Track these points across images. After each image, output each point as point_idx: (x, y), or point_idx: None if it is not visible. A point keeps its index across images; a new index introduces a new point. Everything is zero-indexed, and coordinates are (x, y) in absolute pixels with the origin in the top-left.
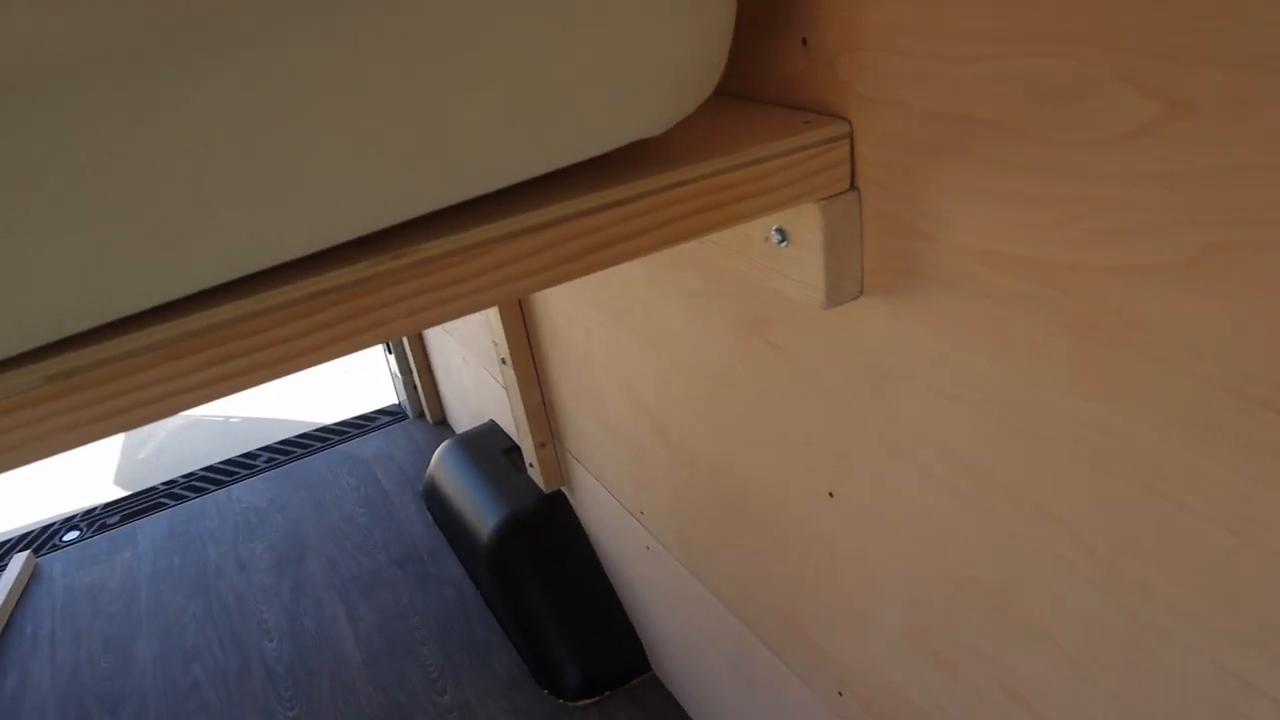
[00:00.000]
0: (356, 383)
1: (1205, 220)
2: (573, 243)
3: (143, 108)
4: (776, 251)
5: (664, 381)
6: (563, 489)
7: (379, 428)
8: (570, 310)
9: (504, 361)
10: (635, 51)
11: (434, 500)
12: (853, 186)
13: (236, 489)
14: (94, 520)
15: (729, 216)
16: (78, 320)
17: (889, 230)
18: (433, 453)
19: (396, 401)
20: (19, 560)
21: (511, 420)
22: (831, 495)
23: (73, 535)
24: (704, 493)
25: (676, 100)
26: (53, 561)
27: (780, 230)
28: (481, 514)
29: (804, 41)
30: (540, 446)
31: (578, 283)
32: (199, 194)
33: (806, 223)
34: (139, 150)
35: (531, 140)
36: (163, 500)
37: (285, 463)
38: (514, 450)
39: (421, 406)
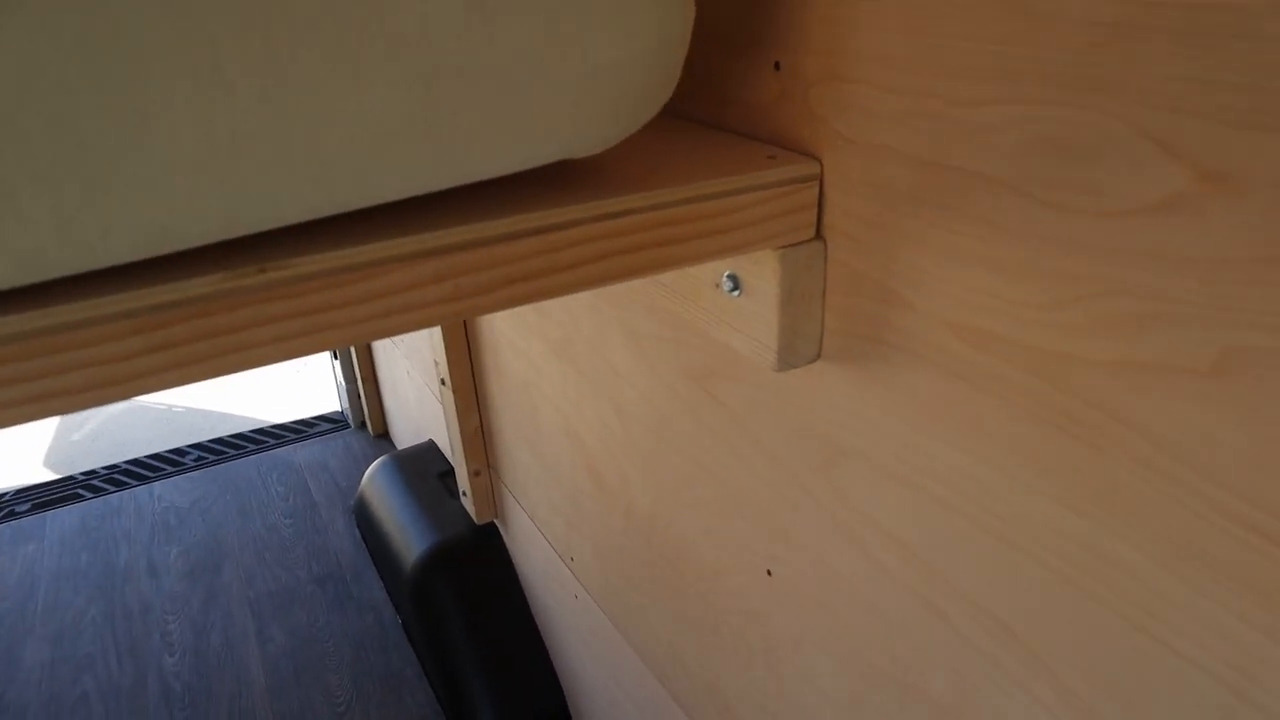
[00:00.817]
0: (305, 384)
1: (1236, 320)
2: (483, 272)
3: None
4: (727, 301)
5: (604, 423)
6: (496, 521)
7: (318, 434)
8: (513, 335)
9: (443, 382)
10: (570, 49)
11: (363, 519)
12: (818, 236)
13: (159, 486)
14: (1, 507)
15: (673, 257)
16: None
17: (856, 289)
18: (368, 466)
19: (339, 409)
20: None
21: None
22: (770, 573)
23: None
24: (637, 548)
25: (618, 115)
26: None
27: (733, 277)
28: (409, 539)
29: (776, 65)
30: (474, 475)
31: (521, 308)
32: (8, 178)
33: (763, 271)
34: None
35: (437, 144)
36: (79, 491)
37: (214, 463)
38: (450, 474)
39: (364, 417)
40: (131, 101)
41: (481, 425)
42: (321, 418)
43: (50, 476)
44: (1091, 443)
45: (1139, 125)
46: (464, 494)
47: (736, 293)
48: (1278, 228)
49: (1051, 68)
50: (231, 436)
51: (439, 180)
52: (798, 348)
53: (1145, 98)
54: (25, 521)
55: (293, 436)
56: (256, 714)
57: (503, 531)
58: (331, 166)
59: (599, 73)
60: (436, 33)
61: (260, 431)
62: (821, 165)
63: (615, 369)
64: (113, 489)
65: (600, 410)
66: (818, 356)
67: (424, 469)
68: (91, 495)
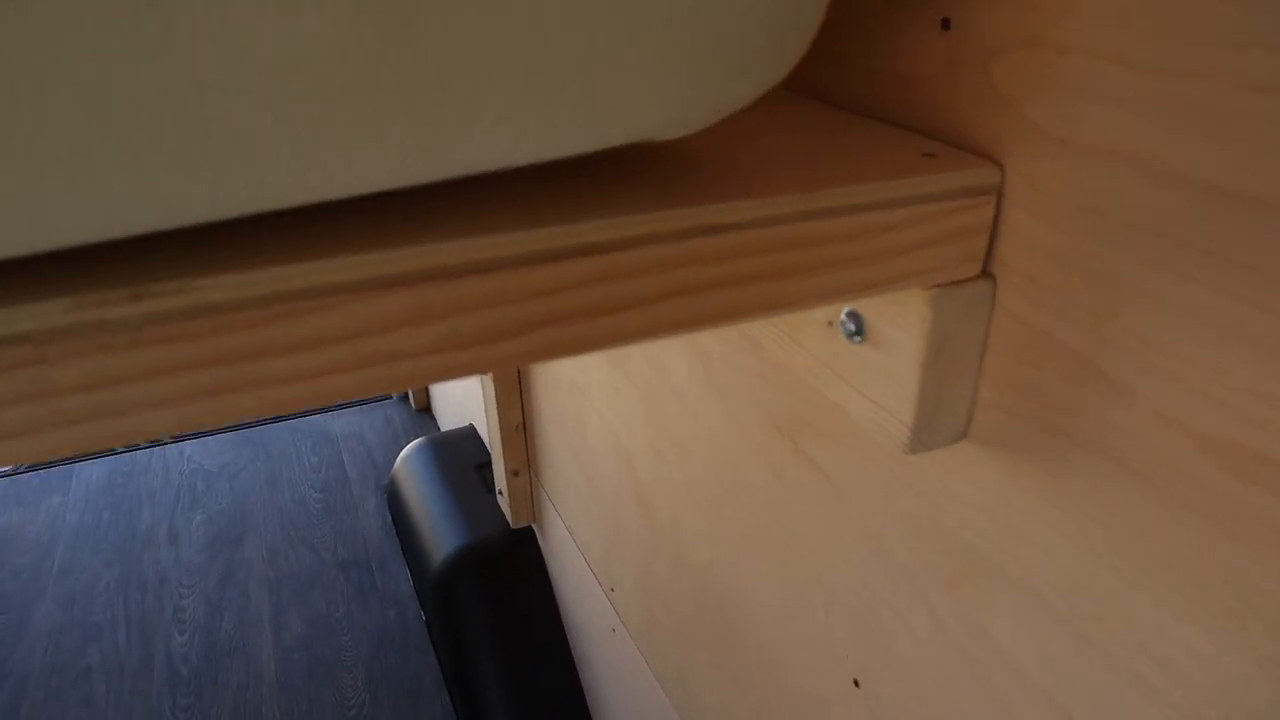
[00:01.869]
0: None
1: None
2: (497, 309)
3: None
4: (843, 346)
5: (659, 450)
6: (533, 526)
7: (358, 403)
8: None
9: None
10: None
11: (395, 503)
12: (986, 273)
13: (190, 446)
14: None
15: (779, 297)
16: None
17: (1037, 356)
18: (408, 442)
19: None
20: None
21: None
22: (857, 684)
23: (4, 468)
24: (686, 600)
25: (715, 82)
26: None
27: (855, 316)
28: (439, 535)
29: (945, 23)
30: (513, 474)
31: None
32: None
33: (902, 315)
34: None
35: (445, 107)
36: None
37: (249, 425)
38: (489, 465)
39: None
40: None
41: (524, 422)
42: None
43: None
44: None
45: None
46: (500, 493)
47: (858, 338)
48: None
49: None
50: None
51: (441, 165)
52: (938, 423)
53: None
54: (54, 472)
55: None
56: (262, 711)
57: (539, 538)
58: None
59: (701, 10)
60: None
61: None
62: (1003, 172)
63: (677, 392)
64: (143, 444)
65: (654, 437)
66: (963, 436)
67: (462, 457)
68: (121, 449)
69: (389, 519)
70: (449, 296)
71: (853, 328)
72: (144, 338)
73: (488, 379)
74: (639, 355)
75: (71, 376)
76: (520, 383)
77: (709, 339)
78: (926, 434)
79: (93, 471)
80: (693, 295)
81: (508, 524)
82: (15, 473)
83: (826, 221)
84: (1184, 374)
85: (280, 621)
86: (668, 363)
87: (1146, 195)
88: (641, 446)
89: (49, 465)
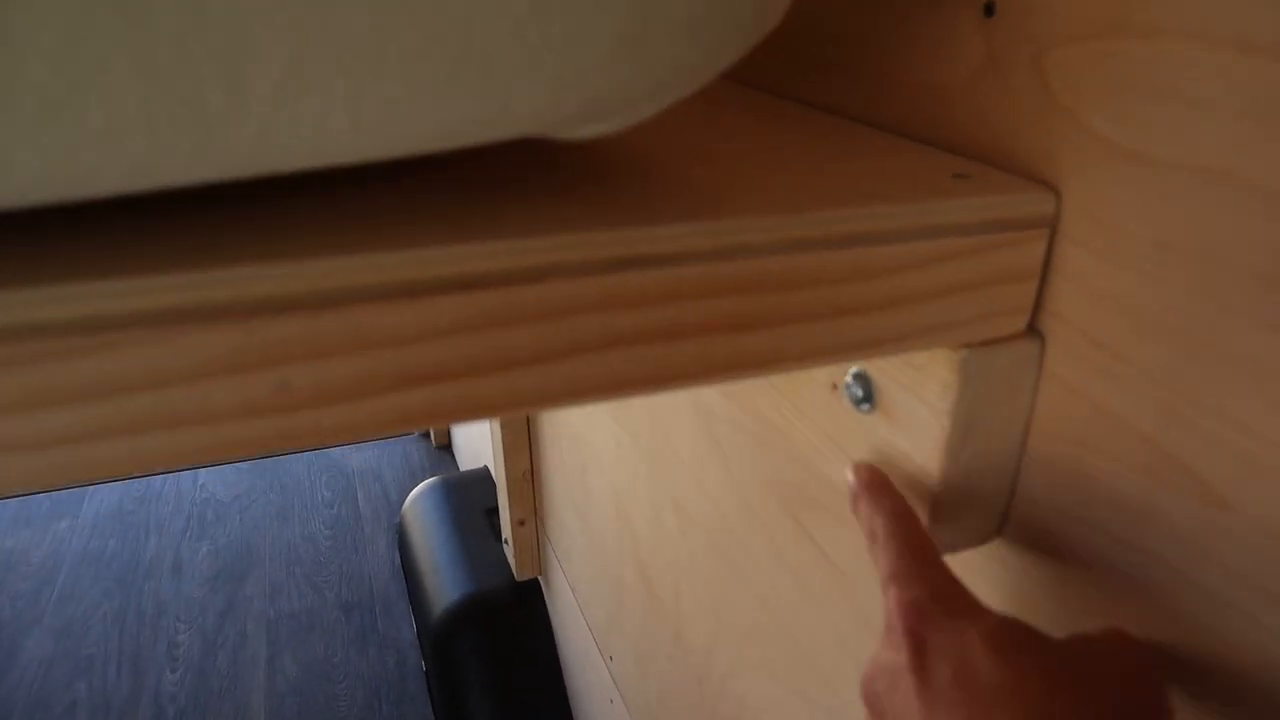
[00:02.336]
0: None
1: None
2: (340, 359)
3: None
4: (849, 416)
5: (659, 515)
6: (539, 579)
7: (376, 438)
8: None
9: None
10: None
11: (404, 545)
12: (1033, 330)
13: (205, 474)
14: None
15: (763, 353)
16: None
17: (1097, 440)
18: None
19: None
20: None
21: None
22: None
23: None
24: (686, 684)
25: (669, 40)
26: None
27: (862, 379)
28: (443, 582)
29: (987, 9)
30: (519, 524)
31: None
32: None
33: (921, 379)
34: None
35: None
36: None
37: (266, 455)
38: (498, 512)
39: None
40: None
41: (532, 469)
42: None
43: None
44: None
45: None
46: (506, 542)
47: (866, 406)
48: None
49: None
50: None
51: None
52: (964, 519)
53: None
54: (66, 494)
55: None
56: None
57: (544, 591)
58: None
59: None
60: None
61: None
62: (1058, 198)
63: (679, 455)
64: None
65: (657, 500)
66: (995, 535)
67: (474, 500)
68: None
69: (398, 561)
70: (273, 337)
71: (860, 393)
72: None
73: (496, 426)
74: (640, 406)
75: None
76: (529, 429)
77: (713, 398)
78: (947, 533)
79: (106, 495)
80: (618, 350)
81: (514, 575)
82: (28, 492)
83: (817, 255)
84: None
85: (276, 663)
86: (669, 417)
87: (1257, 229)
88: (643, 508)
89: (63, 486)
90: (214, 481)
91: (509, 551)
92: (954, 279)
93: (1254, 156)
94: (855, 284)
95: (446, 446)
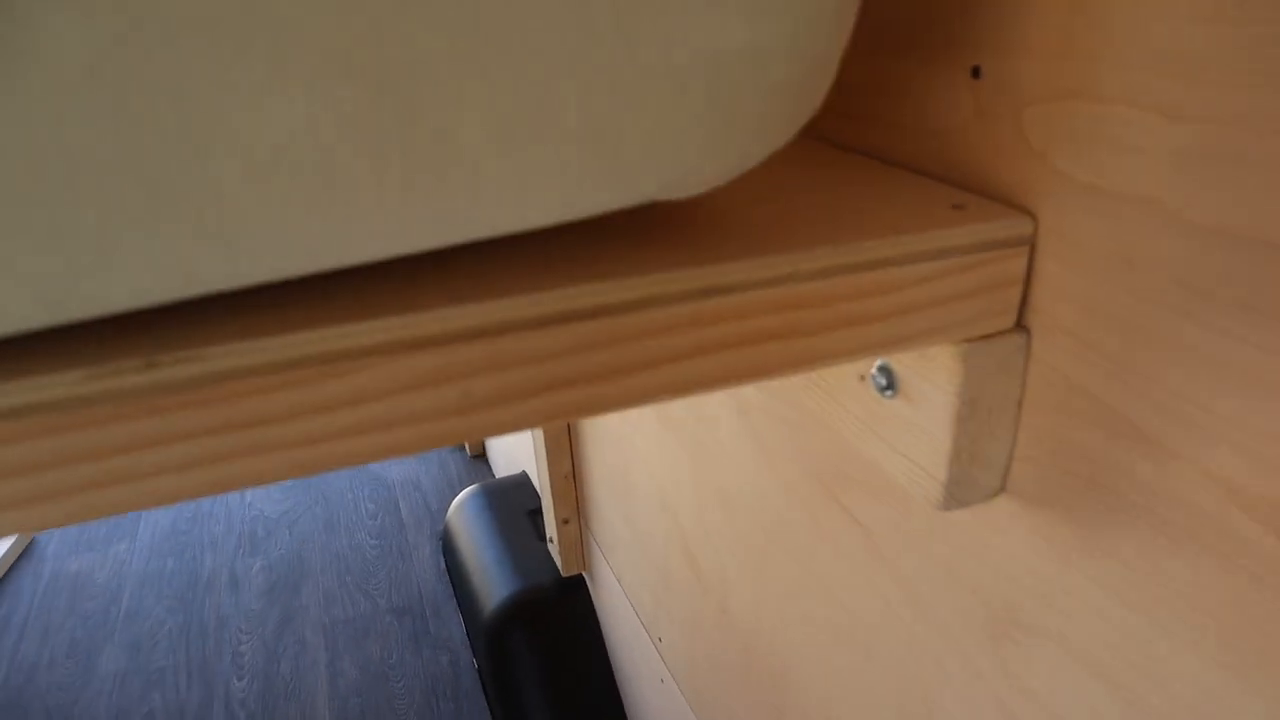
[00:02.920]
0: None
1: None
2: (508, 371)
3: None
4: (876, 402)
5: (703, 503)
6: (584, 574)
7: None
8: None
9: None
10: (670, 30)
11: (448, 550)
12: (1020, 325)
13: (252, 493)
14: None
15: (801, 355)
16: None
17: (1074, 411)
18: (463, 489)
19: None
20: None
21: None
22: None
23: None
24: (734, 653)
25: (734, 140)
26: (49, 538)
27: (886, 371)
28: (490, 582)
29: (975, 71)
30: (563, 523)
31: None
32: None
33: (933, 370)
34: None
35: (438, 185)
36: None
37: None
38: (540, 512)
39: None
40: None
41: (574, 471)
42: None
43: None
44: None
45: None
46: (550, 541)
47: (890, 393)
48: None
49: None
50: None
51: (453, 230)
52: (974, 478)
53: None
54: (121, 518)
55: None
56: None
57: (590, 586)
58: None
59: (711, 67)
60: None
61: None
62: (1036, 223)
63: (722, 446)
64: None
65: (700, 488)
66: (1000, 491)
67: (515, 504)
68: None
69: (443, 566)
70: (461, 359)
71: (884, 382)
72: (157, 406)
73: (538, 432)
74: (683, 407)
75: (86, 445)
76: (570, 433)
77: (750, 390)
78: (961, 490)
79: (159, 518)
80: (704, 356)
81: (559, 572)
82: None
83: (849, 277)
84: (1225, 431)
85: (335, 667)
86: (712, 415)
87: (1183, 246)
88: (688, 498)
89: None
90: (261, 500)
91: (554, 549)
92: (955, 289)
93: (1173, 189)
94: (878, 298)
95: (481, 456)
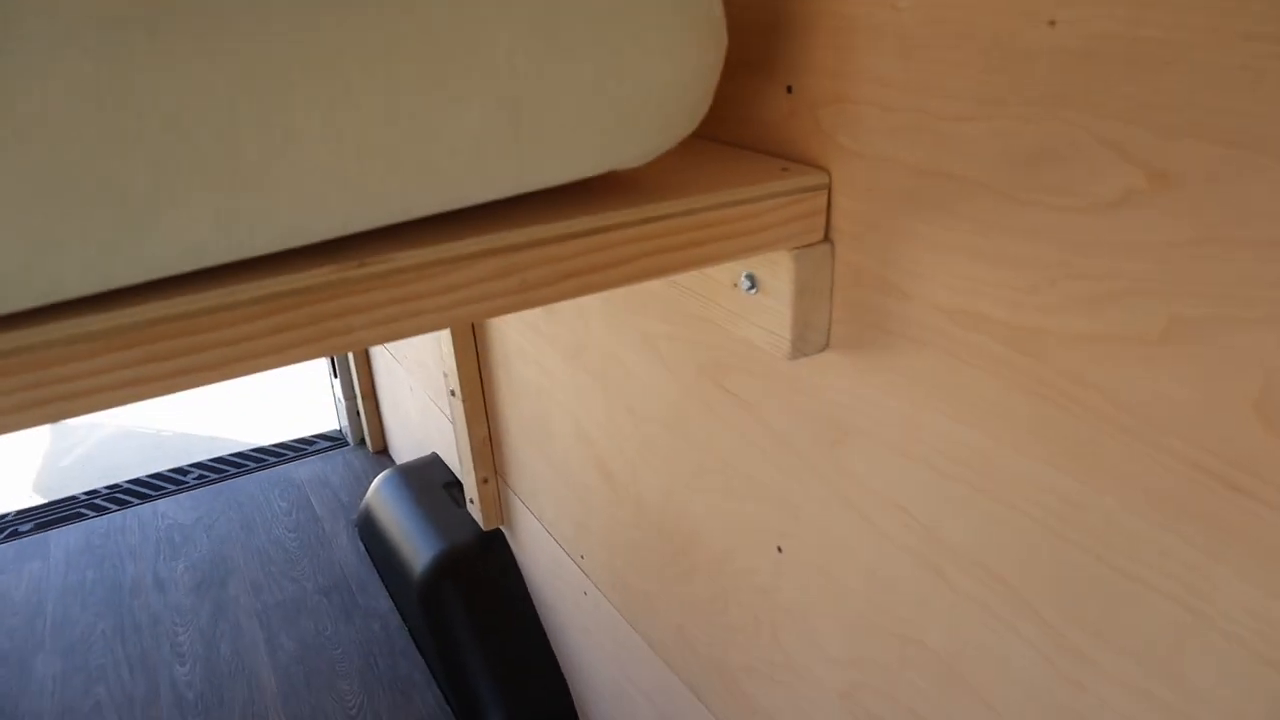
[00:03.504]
0: (296, 405)
1: (1177, 293)
2: (543, 268)
3: (113, 76)
4: (745, 298)
5: (615, 422)
6: (502, 528)
7: (317, 452)
8: (525, 345)
9: (453, 393)
10: (627, 80)
11: (368, 530)
12: (827, 238)
13: (163, 504)
14: (3, 526)
15: (701, 257)
16: (18, 298)
17: (860, 284)
18: (370, 481)
19: (337, 427)
20: None
21: (454, 454)
22: (780, 550)
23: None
24: (648, 538)
25: (660, 133)
26: None
27: (750, 277)
28: (417, 547)
29: (789, 89)
30: (483, 482)
31: (535, 318)
32: (164, 172)
33: (778, 271)
34: (107, 119)
35: (515, 156)
36: (82, 510)
37: (216, 481)
38: (455, 485)
39: (363, 433)
40: (278, 120)
41: (490, 434)
42: (320, 435)
43: (43, 500)
44: (1065, 407)
45: (1099, 134)
46: (471, 501)
47: (754, 290)
48: (1208, 215)
49: (1025, 88)
50: (232, 455)
51: (515, 186)
52: (809, 338)
53: (1103, 111)
54: (29, 540)
55: (292, 454)
56: (270, 718)
57: (509, 537)
58: (432, 177)
59: (647, 95)
60: (521, 65)
61: (260, 450)
62: (830, 175)
63: (628, 371)
64: (115, 507)
65: (613, 411)
66: (826, 346)
67: (429, 480)
68: (94, 514)
69: (362, 548)
70: (518, 260)
71: (748, 284)
72: (367, 287)
73: (456, 402)
74: (595, 349)
75: (333, 309)
76: (485, 401)
77: (653, 323)
78: (803, 345)
79: (68, 537)
80: (649, 257)
81: (479, 529)
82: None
83: (724, 210)
84: (933, 277)
85: (274, 644)
86: (620, 351)
87: (901, 179)
88: (601, 421)
89: (23, 535)
90: (173, 510)
91: (475, 509)
92: (785, 217)
93: (893, 149)
94: (741, 222)
95: (384, 451)
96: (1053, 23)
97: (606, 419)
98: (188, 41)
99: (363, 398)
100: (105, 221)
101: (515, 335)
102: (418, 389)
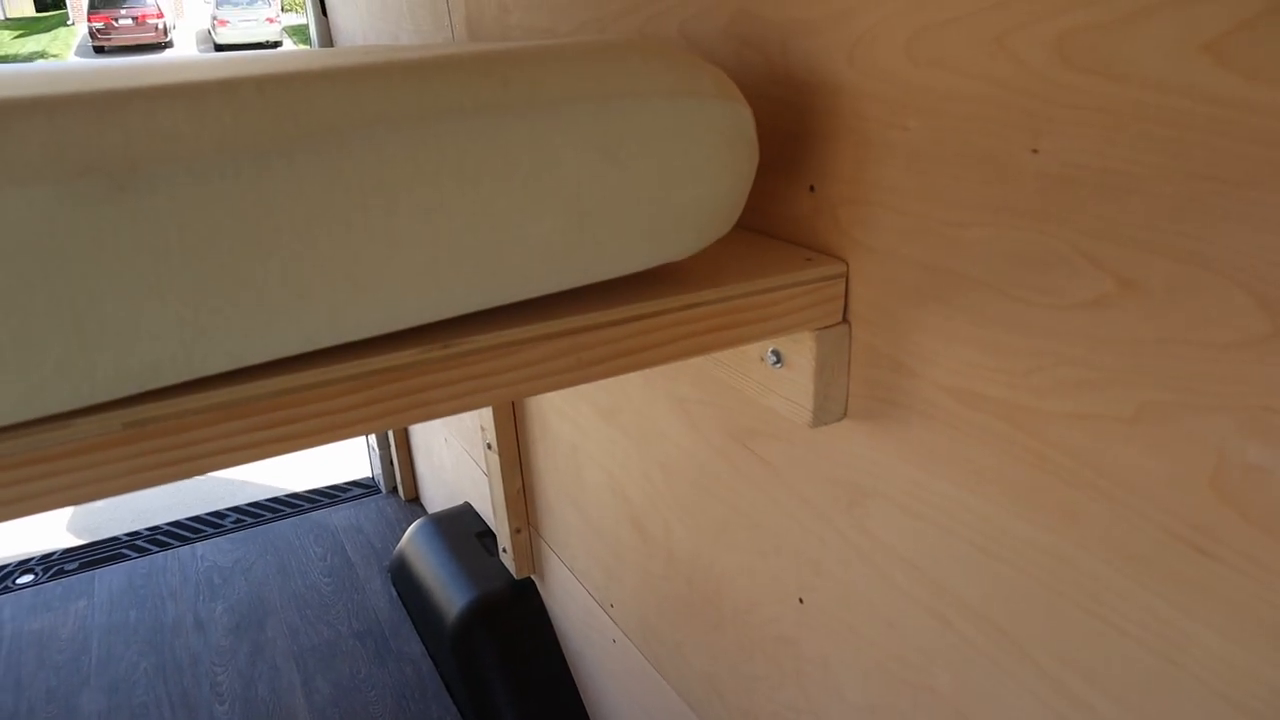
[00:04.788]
0: (330, 452)
1: (1146, 382)
2: (598, 348)
3: (257, 200)
4: (771, 371)
5: (648, 479)
6: (533, 577)
7: (350, 499)
8: (562, 404)
9: (489, 446)
10: (674, 192)
11: (401, 576)
12: (844, 320)
13: (201, 547)
14: (50, 565)
15: (734, 338)
16: (173, 374)
17: (874, 362)
18: (402, 529)
19: (370, 475)
20: None
21: (488, 504)
22: (801, 601)
23: (27, 579)
24: (678, 589)
25: (702, 233)
26: (3, 604)
27: (776, 352)
28: (450, 594)
29: (811, 188)
30: (515, 533)
31: None
32: (292, 276)
33: (801, 348)
34: (251, 235)
35: (579, 257)
36: (124, 551)
37: (253, 525)
38: (487, 534)
39: (395, 482)
40: (385, 230)
41: (523, 486)
42: (353, 483)
43: (86, 541)
44: (1055, 475)
45: (1076, 245)
46: (504, 550)
47: (779, 365)
48: (1169, 319)
49: (1014, 202)
50: (268, 500)
51: (578, 280)
52: (828, 408)
53: (1079, 226)
54: (74, 579)
55: (326, 501)
56: None
57: (539, 586)
58: (509, 273)
59: (691, 204)
60: (586, 183)
61: (294, 496)
62: (847, 266)
63: (662, 432)
64: (156, 549)
65: (645, 468)
66: (844, 416)
67: (462, 529)
68: (136, 555)
69: (394, 594)
70: (576, 342)
71: (775, 359)
72: (447, 365)
73: (492, 455)
74: (630, 410)
75: (416, 384)
76: (520, 454)
77: (685, 388)
78: (823, 414)
79: (111, 577)
80: (688, 339)
81: (511, 577)
82: (37, 582)
83: (754, 297)
84: (937, 359)
85: (310, 686)
86: (653, 412)
87: (909, 273)
88: (635, 478)
89: (68, 574)
90: (211, 552)
91: (507, 559)
92: (807, 302)
93: (901, 246)
94: (769, 307)
95: (415, 499)
96: (1035, 150)
97: (640, 476)
98: (315, 169)
99: (396, 447)
100: (242, 315)
101: (554, 394)
102: (453, 440)
